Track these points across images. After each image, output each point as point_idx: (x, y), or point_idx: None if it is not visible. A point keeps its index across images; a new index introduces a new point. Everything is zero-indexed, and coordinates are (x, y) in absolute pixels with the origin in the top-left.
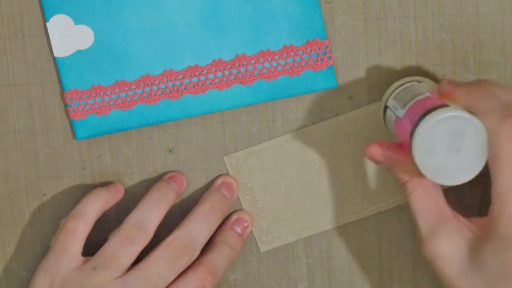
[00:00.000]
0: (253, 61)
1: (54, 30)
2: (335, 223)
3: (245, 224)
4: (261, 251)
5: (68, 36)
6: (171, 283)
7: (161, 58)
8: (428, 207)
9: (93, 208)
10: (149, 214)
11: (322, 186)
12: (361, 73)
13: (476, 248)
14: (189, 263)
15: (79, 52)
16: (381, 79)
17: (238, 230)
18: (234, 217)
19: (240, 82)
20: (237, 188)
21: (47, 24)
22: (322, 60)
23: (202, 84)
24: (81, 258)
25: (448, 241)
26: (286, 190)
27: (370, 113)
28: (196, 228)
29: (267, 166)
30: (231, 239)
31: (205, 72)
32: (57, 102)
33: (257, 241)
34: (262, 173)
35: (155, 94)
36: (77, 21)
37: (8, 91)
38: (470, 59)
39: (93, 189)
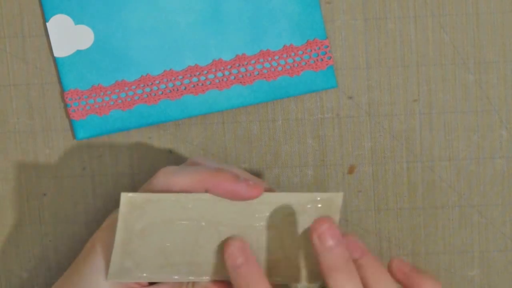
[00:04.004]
0: (253, 61)
1: (54, 30)
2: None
3: None
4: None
5: (68, 36)
6: None
7: (161, 58)
8: None
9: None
10: None
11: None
12: (361, 73)
13: None
14: None
15: (79, 52)
16: (381, 79)
17: None
18: None
19: (240, 82)
20: None
21: (47, 24)
22: (322, 60)
23: (202, 84)
24: None
25: None
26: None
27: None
28: None
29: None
30: None
31: (205, 72)
32: (57, 102)
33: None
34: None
35: (155, 94)
36: (77, 21)
37: (8, 91)
38: (470, 59)
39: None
